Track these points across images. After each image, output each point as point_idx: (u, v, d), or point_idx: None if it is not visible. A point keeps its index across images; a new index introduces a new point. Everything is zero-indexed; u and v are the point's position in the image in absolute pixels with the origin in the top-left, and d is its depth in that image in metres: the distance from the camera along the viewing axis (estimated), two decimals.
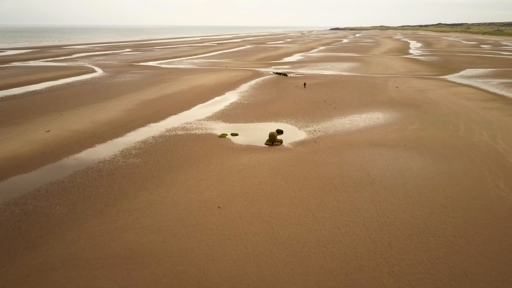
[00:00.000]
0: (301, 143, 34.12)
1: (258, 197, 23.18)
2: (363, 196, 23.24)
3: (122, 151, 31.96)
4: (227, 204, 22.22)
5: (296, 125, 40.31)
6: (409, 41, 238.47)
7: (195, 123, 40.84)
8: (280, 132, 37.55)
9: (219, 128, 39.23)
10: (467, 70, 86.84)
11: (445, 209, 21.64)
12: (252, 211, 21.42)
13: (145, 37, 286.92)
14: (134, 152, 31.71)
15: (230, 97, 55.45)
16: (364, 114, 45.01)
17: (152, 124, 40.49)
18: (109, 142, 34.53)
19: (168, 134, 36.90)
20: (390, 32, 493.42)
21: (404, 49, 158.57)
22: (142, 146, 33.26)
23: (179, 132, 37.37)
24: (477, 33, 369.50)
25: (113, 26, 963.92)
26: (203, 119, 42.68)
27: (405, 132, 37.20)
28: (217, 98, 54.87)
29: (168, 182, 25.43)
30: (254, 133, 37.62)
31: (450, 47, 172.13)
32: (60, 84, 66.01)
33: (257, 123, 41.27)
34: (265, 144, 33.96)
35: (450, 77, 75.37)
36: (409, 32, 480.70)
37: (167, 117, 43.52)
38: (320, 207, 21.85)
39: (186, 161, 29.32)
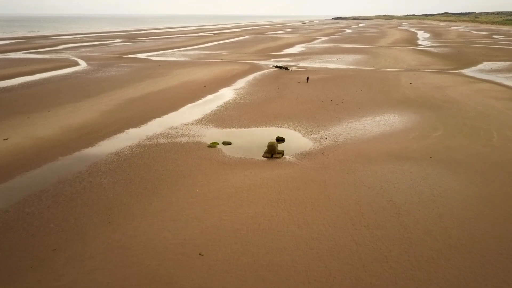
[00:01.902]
0: (306, 155, 29.20)
1: (253, 237, 18.31)
2: (389, 236, 18.37)
3: (90, 166, 27.00)
4: (212, 249, 17.35)
5: (299, 131, 35.36)
6: (416, 31, 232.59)
7: (182, 129, 35.85)
8: (280, 140, 32.62)
9: (209, 134, 34.26)
10: (485, 63, 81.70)
11: (500, 257, 16.80)
12: (245, 261, 16.55)
13: (139, 27, 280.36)
14: (104, 167, 26.76)
15: (224, 95, 50.41)
16: (377, 116, 40.03)
17: (131, 130, 35.49)
18: (77, 154, 29.56)
19: (148, 143, 31.93)
20: (394, 21, 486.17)
21: (412, 40, 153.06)
22: (115, 159, 28.30)
23: (161, 141, 32.41)
24: (486, 22, 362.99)
25: (109, 15, 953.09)
26: (191, 123, 37.67)
27: (428, 140, 32.28)
28: (209, 97, 49.81)
29: (139, 213, 20.53)
30: (250, 140, 32.69)
31: (460, 38, 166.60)
32: (35, 80, 60.84)
33: (253, 128, 36.31)
34: (263, 156, 29.04)
35: (468, 72, 70.28)
36: (415, 21, 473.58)
37: (149, 121, 38.50)
38: (334, 254, 16.99)
39: (165, 182, 24.38)
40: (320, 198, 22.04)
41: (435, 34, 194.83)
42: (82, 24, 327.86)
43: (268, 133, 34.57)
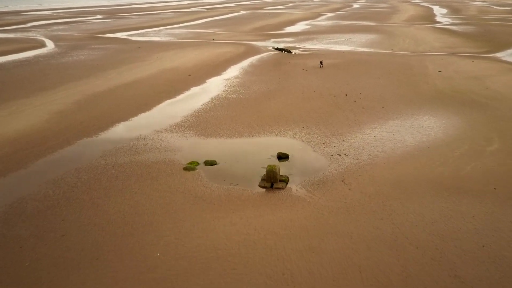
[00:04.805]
0: (320, 183, 22.20)
1: None
2: None
3: (11, 206, 19.98)
4: None
5: (308, 142, 28.31)
6: (431, 6, 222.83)
7: (152, 139, 28.71)
8: (284, 157, 25.61)
9: (188, 148, 27.18)
10: None
11: None
12: None
13: (124, 1, 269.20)
14: (31, 208, 19.75)
15: (213, 88, 43.12)
16: (407, 119, 32.94)
17: (84, 142, 28.34)
18: (0, 182, 22.49)
19: (103, 163, 24.84)
20: None
21: (428, 17, 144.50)
22: (51, 192, 21.26)
23: (121, 159, 25.30)
24: None
25: None
26: (166, 130, 30.53)
27: (483, 158, 25.28)
28: (194, 90, 42.52)
29: None
30: (243, 158, 25.69)
31: (482, 14, 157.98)
32: None
33: (247, 138, 29.22)
34: (260, 186, 22.05)
35: (504, 56, 62.75)
36: None
37: (112, 126, 31.33)
38: None
39: (114, 236, 17.40)
40: (348, 272, 15.12)
41: (453, 10, 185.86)
42: None
43: (266, 145, 27.58)
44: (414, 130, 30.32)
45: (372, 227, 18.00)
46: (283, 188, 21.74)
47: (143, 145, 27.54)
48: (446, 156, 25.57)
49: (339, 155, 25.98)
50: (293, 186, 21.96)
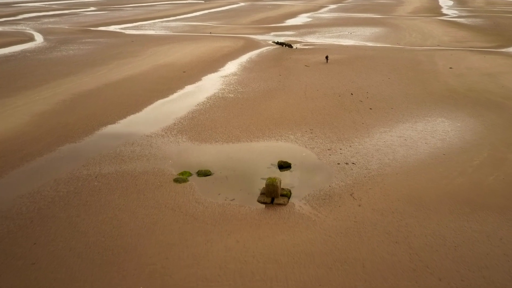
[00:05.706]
0: (327, 198, 20.26)
1: None
2: None
3: None
4: None
5: (312, 148, 26.34)
6: None
7: (140, 145, 26.71)
8: (285, 166, 23.69)
9: (180, 155, 25.20)
10: None
11: None
12: None
13: None
14: (1, 229, 17.81)
15: (208, 86, 41.10)
16: (419, 122, 30.97)
17: (67, 147, 26.36)
18: None
19: (85, 173, 22.88)
20: None
21: (435, 9, 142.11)
22: (24, 208, 19.30)
23: (106, 169, 23.32)
24: None
25: None
26: (156, 134, 28.52)
27: (506, 167, 23.37)
28: (188, 88, 40.49)
29: None
30: (241, 167, 23.73)
31: (490, 6, 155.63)
32: None
33: (245, 143, 27.24)
34: (259, 200, 20.12)
35: None
36: None
37: (98, 130, 29.34)
38: None
39: (91, 264, 15.48)
40: None
41: (459, 2, 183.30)
42: None
43: (266, 152, 25.65)
44: (427, 135, 28.34)
45: (387, 253, 16.08)
46: (285, 204, 19.81)
47: (131, 152, 25.56)
48: (464, 165, 23.63)
49: (347, 163, 24.03)
50: (296, 201, 20.03)
